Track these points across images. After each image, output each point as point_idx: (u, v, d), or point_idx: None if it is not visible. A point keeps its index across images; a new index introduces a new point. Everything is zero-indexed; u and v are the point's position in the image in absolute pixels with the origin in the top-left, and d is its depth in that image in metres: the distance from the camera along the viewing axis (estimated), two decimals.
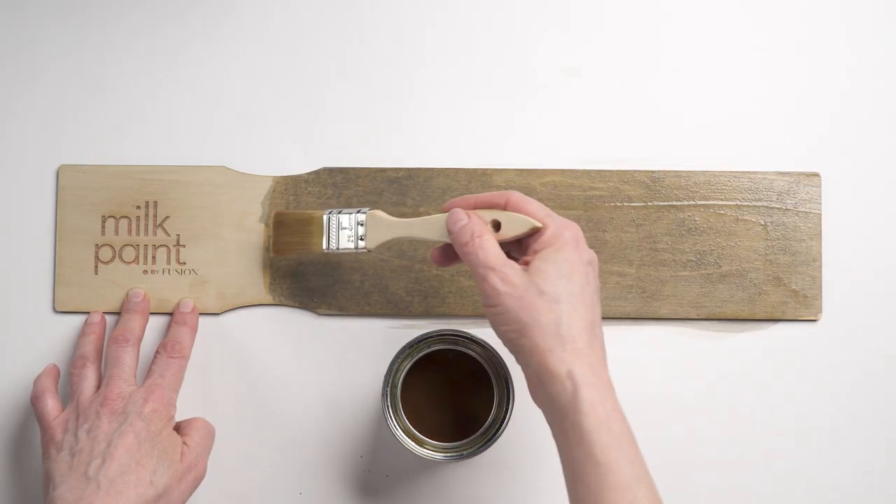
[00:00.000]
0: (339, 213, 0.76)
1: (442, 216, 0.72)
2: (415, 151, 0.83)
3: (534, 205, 0.70)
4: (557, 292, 0.66)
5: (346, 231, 0.76)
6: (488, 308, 0.67)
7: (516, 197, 0.71)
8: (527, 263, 0.68)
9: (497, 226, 0.70)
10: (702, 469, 0.80)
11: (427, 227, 0.73)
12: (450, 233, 0.70)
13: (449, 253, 0.74)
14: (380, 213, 0.76)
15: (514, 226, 0.69)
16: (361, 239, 0.76)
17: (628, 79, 0.83)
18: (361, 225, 0.76)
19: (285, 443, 0.81)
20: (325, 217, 0.77)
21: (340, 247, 0.76)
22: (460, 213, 0.70)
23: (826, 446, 0.81)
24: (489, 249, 0.68)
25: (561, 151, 0.82)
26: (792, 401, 0.81)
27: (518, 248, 0.71)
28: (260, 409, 0.81)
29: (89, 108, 0.83)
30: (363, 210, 0.76)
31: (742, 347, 0.81)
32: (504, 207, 0.71)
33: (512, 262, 0.68)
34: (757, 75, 0.83)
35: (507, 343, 0.67)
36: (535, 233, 0.69)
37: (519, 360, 0.68)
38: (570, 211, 0.81)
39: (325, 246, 0.77)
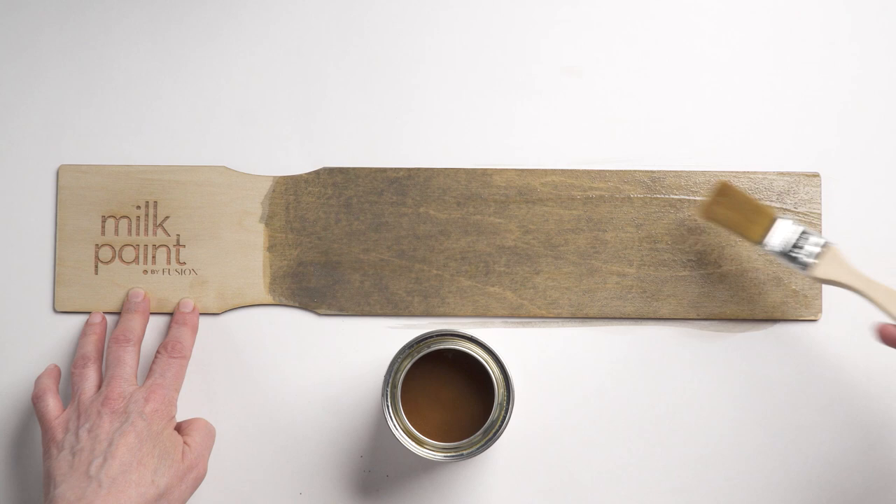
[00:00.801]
0: (799, 225, 0.76)
1: None
2: (415, 151, 0.83)
3: None
4: None
5: (796, 247, 0.76)
6: None
7: None
8: None
9: None
10: (701, 468, 0.80)
11: (893, 301, 0.73)
12: None
13: None
14: (839, 253, 0.76)
15: None
16: (806, 264, 0.76)
17: (628, 79, 0.83)
18: (814, 249, 0.76)
19: (285, 443, 0.81)
20: (783, 221, 0.77)
21: (784, 251, 0.76)
22: None
23: (826, 446, 0.81)
24: None
25: (561, 151, 0.82)
26: (792, 401, 0.81)
27: None
28: (260, 408, 0.81)
29: (89, 108, 0.83)
30: (825, 240, 0.76)
31: (742, 347, 0.81)
32: None
33: None
34: (757, 75, 0.83)
35: None
36: None
37: None
38: (570, 211, 0.81)
39: (766, 241, 0.76)
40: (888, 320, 0.74)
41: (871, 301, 0.75)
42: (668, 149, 0.82)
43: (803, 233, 0.77)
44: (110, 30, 0.83)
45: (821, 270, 0.76)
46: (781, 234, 0.77)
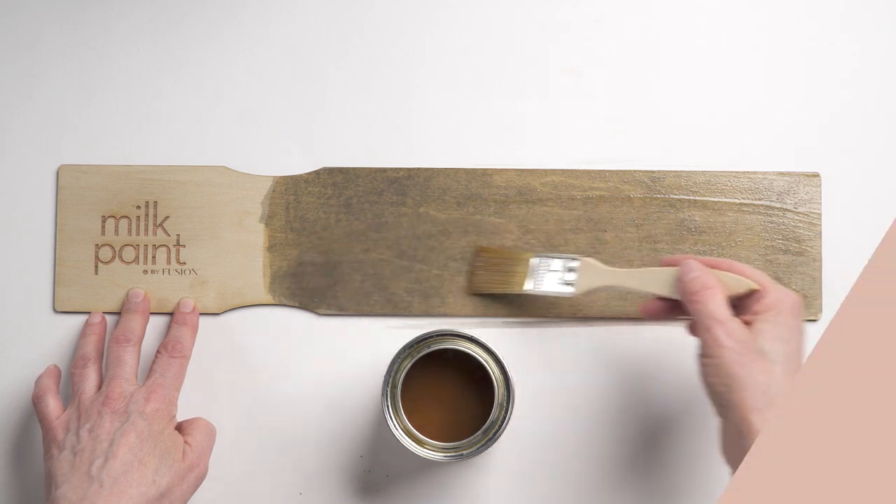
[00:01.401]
0: (550, 257, 0.78)
1: (663, 269, 0.73)
2: (415, 151, 0.83)
3: (753, 271, 0.72)
4: (775, 354, 0.68)
5: (555, 274, 0.77)
6: (705, 358, 0.69)
7: (737, 264, 0.72)
8: (748, 323, 0.70)
9: None
10: (701, 468, 0.80)
11: (645, 280, 0.74)
12: (681, 282, 0.71)
13: (664, 307, 0.75)
14: (593, 262, 0.77)
15: (732, 285, 0.71)
16: (569, 284, 0.77)
17: (628, 79, 0.83)
18: (572, 271, 0.77)
19: (285, 443, 0.81)
20: (534, 260, 0.78)
21: (545, 289, 0.78)
22: (695, 265, 0.72)
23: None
24: (719, 302, 0.69)
25: (561, 151, 0.82)
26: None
27: (738, 313, 0.71)
28: (260, 408, 0.81)
29: (89, 108, 0.83)
30: (576, 257, 0.77)
31: None
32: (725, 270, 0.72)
33: (736, 319, 0.69)
34: (757, 75, 0.83)
35: (713, 395, 0.69)
36: (751, 294, 0.71)
37: (719, 412, 0.69)
38: (570, 211, 0.81)
39: (528, 286, 0.78)
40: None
41: (628, 290, 0.75)
42: (668, 149, 0.82)
43: (556, 259, 0.77)
44: (110, 30, 0.83)
45: (581, 286, 0.77)
46: (532, 272, 0.78)
